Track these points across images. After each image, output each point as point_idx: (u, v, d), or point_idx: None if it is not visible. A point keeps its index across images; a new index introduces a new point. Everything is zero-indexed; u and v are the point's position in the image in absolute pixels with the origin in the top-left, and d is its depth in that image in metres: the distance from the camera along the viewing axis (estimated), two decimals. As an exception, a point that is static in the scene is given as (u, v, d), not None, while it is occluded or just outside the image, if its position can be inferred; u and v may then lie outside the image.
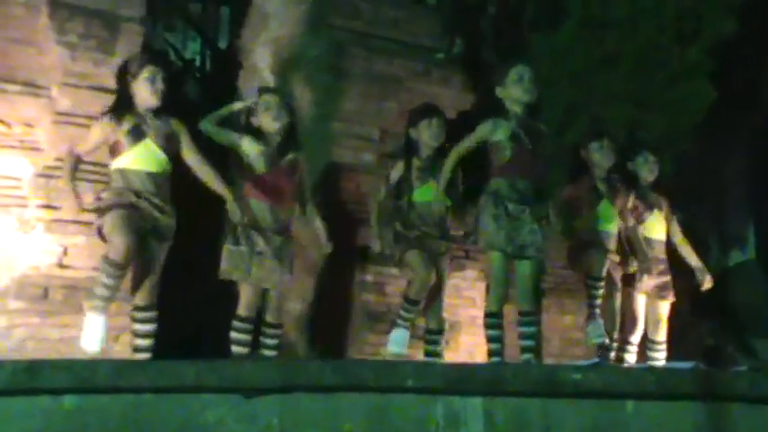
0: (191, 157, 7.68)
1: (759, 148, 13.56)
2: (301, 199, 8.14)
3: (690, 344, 10.11)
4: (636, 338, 9.39)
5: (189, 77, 12.93)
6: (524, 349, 7.99)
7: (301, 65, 10.01)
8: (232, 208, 7.57)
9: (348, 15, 10.12)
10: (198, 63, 13.21)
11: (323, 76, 9.84)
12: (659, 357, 9.35)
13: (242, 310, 7.69)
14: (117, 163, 7.43)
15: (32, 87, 8.42)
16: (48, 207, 8.29)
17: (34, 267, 8.18)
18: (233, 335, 7.67)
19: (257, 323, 7.79)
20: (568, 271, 10.20)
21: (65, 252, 8.34)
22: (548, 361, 9.11)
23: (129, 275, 7.35)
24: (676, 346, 9.74)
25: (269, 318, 7.92)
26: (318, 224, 8.16)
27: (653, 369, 7.94)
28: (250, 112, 8.00)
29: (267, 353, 7.87)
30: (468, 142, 8.14)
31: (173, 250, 7.66)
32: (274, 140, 7.86)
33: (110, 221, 7.25)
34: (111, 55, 8.78)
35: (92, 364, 5.90)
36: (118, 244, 7.15)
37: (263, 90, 8.22)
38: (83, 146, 7.49)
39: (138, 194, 7.33)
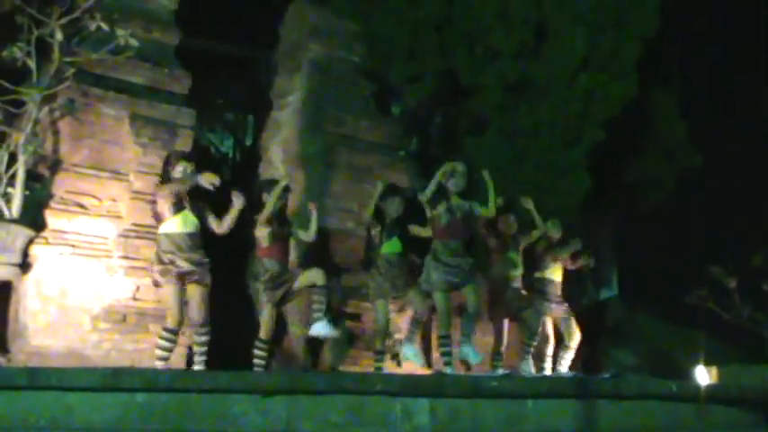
0: (213, 221, 8.01)
1: (620, 219, 13.75)
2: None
3: (573, 357, 10.10)
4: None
5: (224, 166, 12.90)
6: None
7: (303, 158, 10.03)
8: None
9: (336, 123, 10.11)
10: (231, 155, 13.17)
11: (318, 167, 9.86)
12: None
13: (263, 333, 7.82)
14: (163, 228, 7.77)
15: (117, 174, 8.41)
16: (126, 257, 8.28)
17: (116, 299, 8.13)
18: (256, 352, 7.79)
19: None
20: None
21: (137, 289, 8.31)
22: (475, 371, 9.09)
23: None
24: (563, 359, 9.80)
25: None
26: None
27: (545, 377, 8.00)
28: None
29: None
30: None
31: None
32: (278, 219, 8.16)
33: (166, 291, 7.57)
34: (171, 151, 8.83)
35: (156, 372, 5.94)
36: (174, 314, 7.33)
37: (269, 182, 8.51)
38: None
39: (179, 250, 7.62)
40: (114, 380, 5.06)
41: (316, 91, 10.26)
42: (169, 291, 7.61)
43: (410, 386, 5.25)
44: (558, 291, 9.80)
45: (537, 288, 9.76)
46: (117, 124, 8.67)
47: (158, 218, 7.96)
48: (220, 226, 7.99)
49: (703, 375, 8.50)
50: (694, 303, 11.66)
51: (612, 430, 5.42)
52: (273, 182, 8.43)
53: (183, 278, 7.65)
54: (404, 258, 8.78)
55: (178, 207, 7.83)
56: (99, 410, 4.96)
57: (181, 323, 7.60)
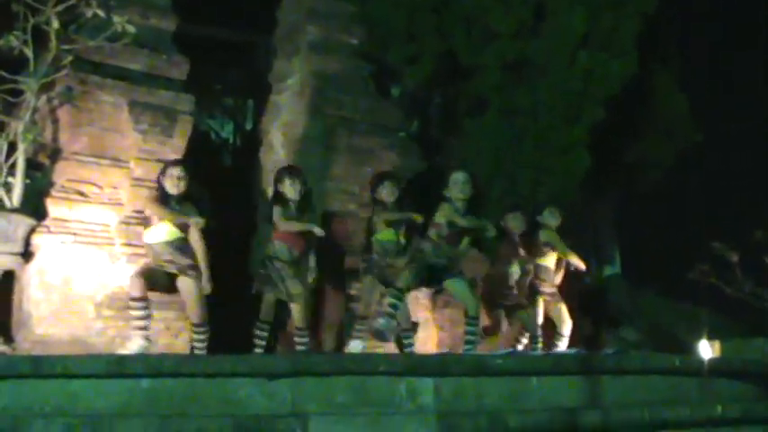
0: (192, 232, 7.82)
1: (621, 197, 13.73)
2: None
3: (576, 334, 10.09)
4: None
5: (225, 151, 12.91)
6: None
7: (303, 142, 10.02)
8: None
9: (335, 106, 10.09)
10: (231, 141, 13.17)
11: (319, 150, 9.85)
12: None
13: (263, 315, 7.87)
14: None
15: (117, 161, 8.40)
16: (128, 244, 8.29)
17: (120, 286, 8.13)
18: (256, 332, 7.87)
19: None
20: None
21: (140, 276, 8.34)
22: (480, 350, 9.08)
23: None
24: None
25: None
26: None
27: (549, 354, 8.01)
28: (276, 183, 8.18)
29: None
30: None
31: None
32: (294, 203, 8.04)
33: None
34: (171, 137, 8.81)
35: (161, 357, 5.94)
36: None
37: (286, 169, 8.36)
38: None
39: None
40: (119, 366, 5.07)
41: (314, 74, 10.23)
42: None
43: (414, 366, 5.25)
44: (551, 277, 9.65)
45: (532, 274, 9.57)
46: (116, 111, 8.65)
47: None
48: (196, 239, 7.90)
49: (706, 350, 8.51)
50: (696, 279, 11.62)
51: (616, 405, 5.43)
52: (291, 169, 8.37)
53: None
54: (400, 245, 8.60)
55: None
56: (104, 397, 4.96)
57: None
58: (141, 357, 6.08)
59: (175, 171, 7.81)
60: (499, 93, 11.02)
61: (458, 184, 8.26)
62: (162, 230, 7.68)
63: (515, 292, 9.32)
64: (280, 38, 10.82)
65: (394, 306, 7.93)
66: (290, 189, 8.05)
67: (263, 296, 7.95)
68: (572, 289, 10.41)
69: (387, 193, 8.54)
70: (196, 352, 7.62)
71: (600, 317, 11.90)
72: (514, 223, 9.29)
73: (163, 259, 7.60)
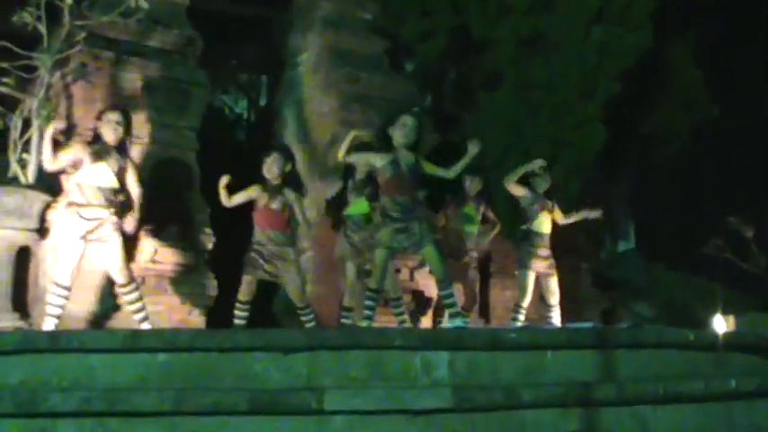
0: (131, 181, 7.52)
1: (636, 171, 13.69)
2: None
3: (591, 309, 10.11)
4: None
5: (239, 127, 12.92)
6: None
7: (317, 117, 10.03)
8: None
9: (350, 81, 10.10)
10: (245, 116, 13.17)
11: (333, 125, 9.84)
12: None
13: (241, 295, 7.59)
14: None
15: (134, 137, 8.31)
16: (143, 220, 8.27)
17: (135, 262, 8.16)
18: (235, 312, 7.61)
19: None
20: (508, 259, 10.20)
21: (155, 251, 8.38)
22: (493, 324, 9.08)
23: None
24: (581, 310, 9.76)
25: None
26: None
27: (564, 328, 7.97)
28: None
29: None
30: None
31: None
32: (273, 184, 7.63)
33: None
34: (185, 113, 8.83)
35: (176, 332, 5.97)
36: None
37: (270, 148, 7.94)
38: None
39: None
40: (135, 341, 5.08)
41: (329, 49, 10.23)
42: None
43: (429, 340, 5.25)
44: (547, 244, 9.22)
45: (523, 241, 9.20)
46: (130, 87, 8.67)
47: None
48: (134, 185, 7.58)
49: (721, 324, 8.49)
50: (711, 253, 11.63)
51: (631, 380, 5.42)
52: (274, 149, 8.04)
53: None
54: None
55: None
56: (121, 371, 4.98)
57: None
58: (157, 332, 6.11)
59: (113, 116, 7.37)
60: (514, 67, 10.97)
61: (405, 128, 7.46)
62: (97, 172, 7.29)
63: (470, 252, 9.20)
64: (294, 13, 10.81)
65: (370, 308, 7.59)
66: (269, 169, 7.61)
67: (243, 276, 7.64)
68: (586, 264, 10.42)
69: (362, 164, 8.14)
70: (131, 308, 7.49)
71: (615, 292, 11.91)
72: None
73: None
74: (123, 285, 7.39)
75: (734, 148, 16.40)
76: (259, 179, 7.55)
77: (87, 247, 7.18)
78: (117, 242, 7.28)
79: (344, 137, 8.32)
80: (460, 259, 9.18)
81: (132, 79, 8.70)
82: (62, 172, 7.64)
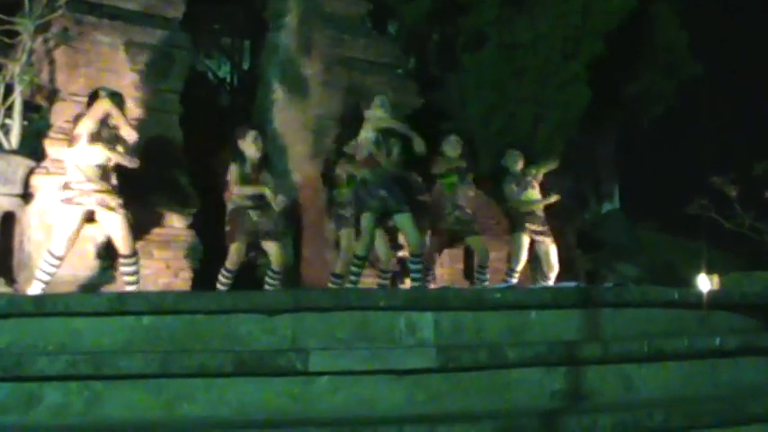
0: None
1: (620, 133, 13.69)
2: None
3: (575, 269, 10.13)
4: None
5: (222, 90, 12.84)
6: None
7: (301, 80, 9.97)
8: None
9: (334, 44, 10.05)
10: (228, 80, 13.09)
11: (316, 88, 9.80)
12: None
13: (229, 263, 7.67)
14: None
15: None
16: (127, 184, 8.24)
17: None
18: (220, 279, 7.67)
19: None
20: (492, 220, 10.20)
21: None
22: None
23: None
24: (566, 270, 9.77)
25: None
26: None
27: (548, 288, 8.00)
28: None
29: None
30: None
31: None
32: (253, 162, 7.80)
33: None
34: (168, 77, 8.77)
35: (161, 295, 5.95)
36: None
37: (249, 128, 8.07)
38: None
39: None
40: (120, 304, 5.07)
41: (311, 12, 10.16)
42: None
43: (414, 301, 5.26)
44: (541, 214, 9.38)
45: (516, 213, 9.38)
46: (112, 52, 8.62)
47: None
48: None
49: (705, 283, 8.54)
50: (696, 213, 11.65)
51: (616, 338, 5.45)
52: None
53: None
54: None
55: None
56: (106, 334, 4.97)
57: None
58: (142, 295, 6.10)
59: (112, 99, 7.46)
60: (498, 28, 10.95)
61: (383, 105, 7.94)
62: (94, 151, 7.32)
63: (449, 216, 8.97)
64: (276, -25, 10.71)
65: (356, 274, 7.85)
66: (252, 146, 7.80)
67: (232, 244, 7.72)
68: (570, 225, 10.43)
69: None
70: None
71: (599, 252, 11.94)
72: (448, 147, 8.97)
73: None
74: (126, 257, 7.45)
75: (718, 108, 16.41)
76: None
77: (84, 219, 7.24)
78: (122, 213, 7.35)
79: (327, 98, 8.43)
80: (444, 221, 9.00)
81: (114, 43, 8.62)
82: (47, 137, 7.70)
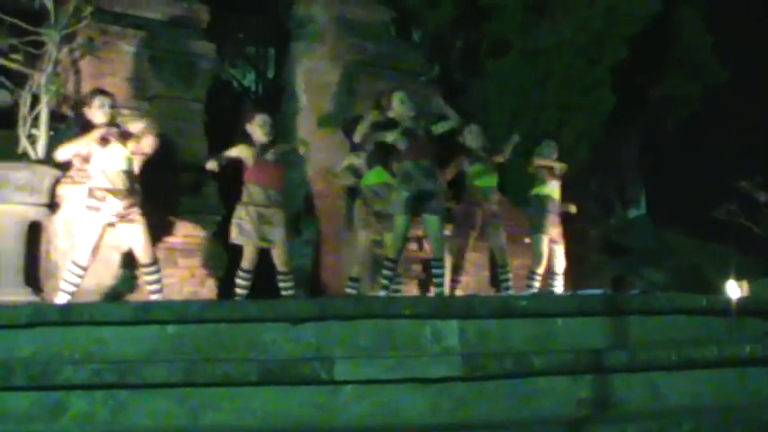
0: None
1: (645, 138, 13.59)
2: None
3: (602, 275, 10.05)
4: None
5: (247, 99, 12.85)
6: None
7: (325, 88, 9.97)
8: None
9: (358, 52, 10.06)
10: (253, 89, 13.11)
11: (340, 96, 9.80)
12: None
13: (245, 263, 7.50)
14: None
15: (140, 110, 8.29)
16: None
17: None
18: (237, 281, 7.52)
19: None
20: (517, 226, 10.11)
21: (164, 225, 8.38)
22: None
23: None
24: (592, 277, 9.70)
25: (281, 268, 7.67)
26: None
27: (574, 295, 7.93)
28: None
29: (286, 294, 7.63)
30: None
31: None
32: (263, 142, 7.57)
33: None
34: (192, 86, 8.79)
35: (186, 303, 5.95)
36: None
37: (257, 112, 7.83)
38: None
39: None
40: (145, 313, 5.07)
41: (335, 19, 10.18)
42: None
43: (439, 309, 5.22)
44: (557, 210, 9.20)
45: (536, 205, 9.18)
46: (137, 61, 8.64)
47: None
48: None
49: (734, 290, 8.45)
50: (724, 218, 11.55)
51: (643, 346, 5.39)
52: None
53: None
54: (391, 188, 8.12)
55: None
56: (131, 343, 4.97)
57: None
58: (167, 304, 6.09)
59: (101, 100, 7.29)
60: (521, 33, 10.91)
61: (405, 102, 7.68)
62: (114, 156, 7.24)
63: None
64: (300, -16, 10.74)
65: (388, 278, 7.69)
66: (261, 130, 7.56)
67: (244, 245, 7.54)
68: (596, 231, 10.35)
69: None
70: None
71: (626, 258, 11.85)
72: (469, 138, 8.87)
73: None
74: (147, 265, 7.41)
75: (744, 111, 16.26)
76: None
77: (108, 228, 7.21)
78: (142, 224, 7.29)
79: (350, 105, 8.37)
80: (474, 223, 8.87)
81: (139, 53, 8.66)
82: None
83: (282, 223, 7.54)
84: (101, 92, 7.45)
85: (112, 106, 7.37)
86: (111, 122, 7.31)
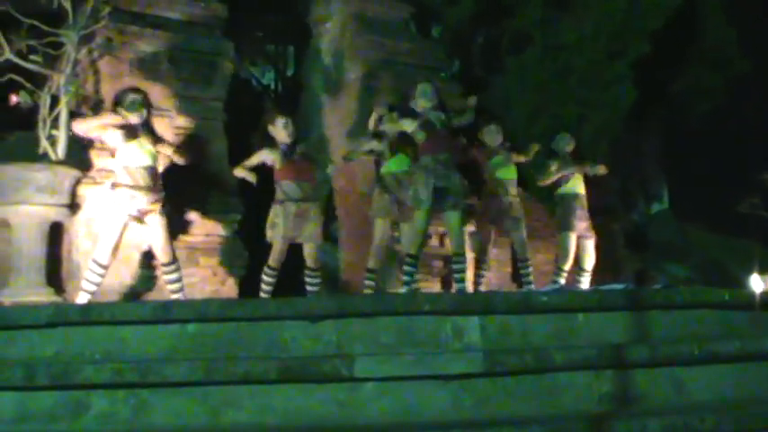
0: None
1: (666, 132, 13.51)
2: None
3: (624, 270, 10.00)
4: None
5: (266, 97, 12.88)
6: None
7: (345, 86, 9.96)
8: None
9: (376, 48, 10.03)
10: (273, 87, 13.14)
11: (360, 93, 9.79)
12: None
13: (272, 261, 7.53)
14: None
15: (158, 110, 8.21)
16: (172, 193, 8.29)
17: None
18: (263, 278, 7.53)
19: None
20: (539, 222, 10.08)
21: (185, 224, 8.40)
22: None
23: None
24: (614, 271, 9.64)
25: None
26: None
27: (596, 290, 7.89)
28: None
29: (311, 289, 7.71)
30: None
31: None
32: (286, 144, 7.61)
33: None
34: (211, 85, 8.81)
35: (206, 302, 5.96)
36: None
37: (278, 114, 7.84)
38: None
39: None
40: (165, 312, 5.08)
41: (354, 16, 10.15)
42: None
43: (459, 305, 5.21)
44: (585, 205, 9.08)
45: (563, 203, 9.07)
46: (156, 61, 8.66)
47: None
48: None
49: (758, 283, 8.40)
50: (747, 212, 11.48)
51: (665, 340, 5.35)
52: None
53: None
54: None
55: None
56: (152, 342, 4.99)
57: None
58: (187, 303, 6.11)
59: (135, 96, 7.38)
60: (542, 29, 10.87)
61: (426, 93, 7.67)
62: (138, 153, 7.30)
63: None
64: (318, -19, 10.73)
65: (410, 274, 7.64)
66: (283, 132, 7.60)
67: (274, 242, 7.56)
68: (619, 225, 10.29)
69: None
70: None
71: (649, 253, 11.80)
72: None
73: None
74: (166, 264, 7.46)
75: (766, 104, 16.13)
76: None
77: (128, 227, 7.26)
78: (163, 222, 7.35)
79: (370, 103, 8.33)
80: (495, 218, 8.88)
81: (158, 52, 8.68)
82: (92, 147, 7.75)
83: (318, 219, 7.63)
84: (132, 89, 7.51)
85: (144, 104, 7.42)
86: (144, 121, 7.40)
